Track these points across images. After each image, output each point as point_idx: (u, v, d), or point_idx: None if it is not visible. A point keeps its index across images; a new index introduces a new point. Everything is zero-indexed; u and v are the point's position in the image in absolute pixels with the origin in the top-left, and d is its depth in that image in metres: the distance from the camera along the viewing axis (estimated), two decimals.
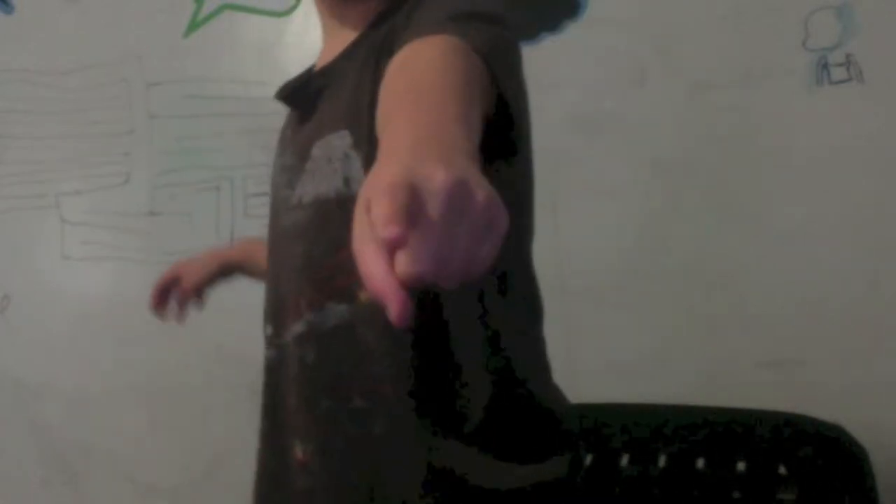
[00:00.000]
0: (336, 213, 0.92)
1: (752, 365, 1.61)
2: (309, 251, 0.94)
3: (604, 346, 1.66)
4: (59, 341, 1.93)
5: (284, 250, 0.98)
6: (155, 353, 1.86)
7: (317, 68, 1.02)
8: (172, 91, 1.89)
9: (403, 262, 0.49)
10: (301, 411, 0.95)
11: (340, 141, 0.93)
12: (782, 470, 1.40)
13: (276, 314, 0.99)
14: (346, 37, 0.98)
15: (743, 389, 1.55)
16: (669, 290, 1.67)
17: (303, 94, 1.00)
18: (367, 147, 0.88)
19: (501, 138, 0.85)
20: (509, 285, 0.94)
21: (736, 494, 1.41)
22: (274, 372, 0.99)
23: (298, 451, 0.95)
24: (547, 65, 1.71)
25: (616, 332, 1.68)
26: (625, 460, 1.49)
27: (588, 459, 1.48)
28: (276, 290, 0.99)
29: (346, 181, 0.91)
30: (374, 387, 0.92)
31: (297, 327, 0.95)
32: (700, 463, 1.45)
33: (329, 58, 0.99)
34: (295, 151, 0.98)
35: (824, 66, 1.61)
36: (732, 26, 1.66)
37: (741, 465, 1.43)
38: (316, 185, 0.94)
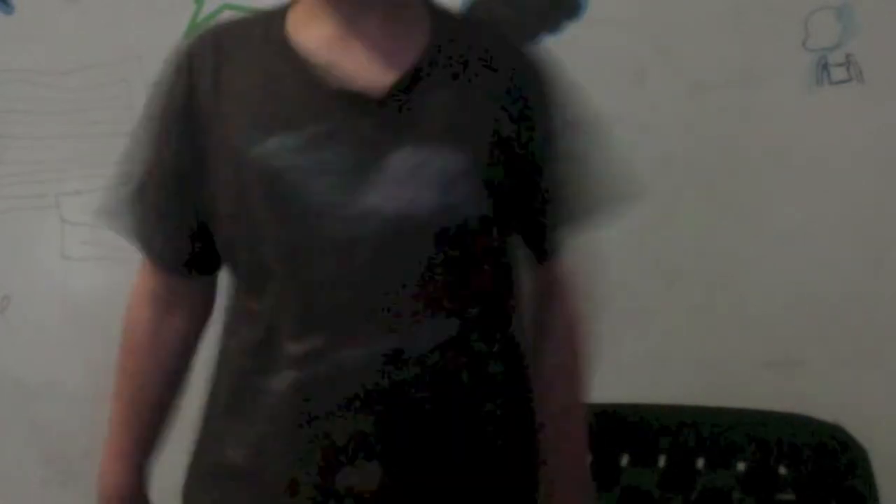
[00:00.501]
0: (431, 233, 0.92)
1: (752, 365, 1.62)
2: (392, 269, 0.91)
3: (604, 347, 1.66)
4: (59, 341, 1.93)
5: (338, 260, 0.91)
6: None
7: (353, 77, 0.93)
8: None
9: None
10: (374, 432, 0.91)
11: (449, 161, 0.91)
12: (782, 470, 1.41)
13: (329, 327, 0.91)
14: (370, 47, 0.93)
15: (743, 389, 1.55)
16: (669, 290, 1.67)
17: (377, 98, 0.93)
18: (488, 174, 0.94)
19: None
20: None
21: (736, 495, 1.41)
22: (321, 386, 0.91)
23: (354, 478, 0.91)
24: None
25: (616, 333, 1.68)
26: (625, 460, 1.49)
27: (588, 460, 1.48)
28: (329, 301, 0.91)
29: (450, 204, 0.92)
30: (460, 409, 0.94)
31: (375, 345, 0.90)
32: (700, 463, 1.45)
33: (368, 51, 0.93)
34: (347, 154, 0.90)
35: (824, 67, 1.61)
36: (732, 26, 1.66)
37: (741, 466, 1.43)
38: (400, 199, 0.90)
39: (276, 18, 0.98)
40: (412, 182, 0.90)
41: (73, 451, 1.93)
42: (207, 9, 1.87)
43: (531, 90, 1.02)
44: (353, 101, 0.91)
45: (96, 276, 1.92)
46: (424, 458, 0.93)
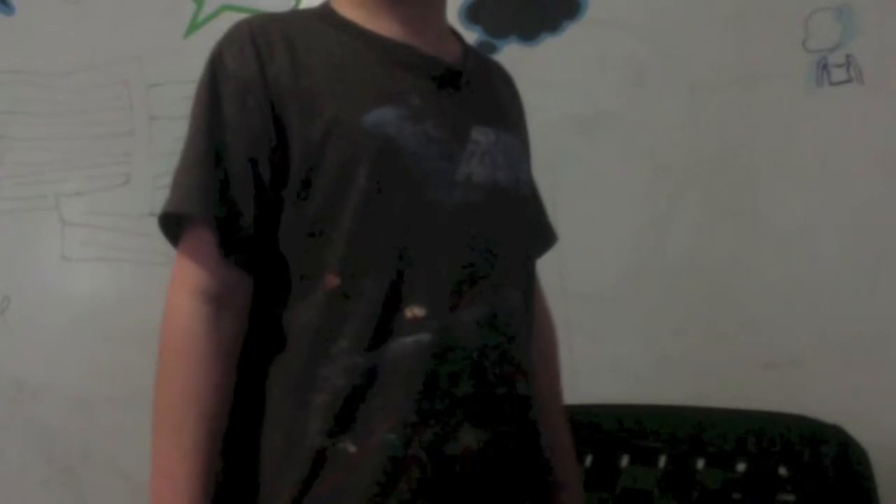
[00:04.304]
0: (514, 205, 1.00)
1: (752, 365, 1.62)
2: (495, 236, 0.96)
3: (604, 347, 1.66)
4: (59, 341, 1.93)
5: (448, 227, 0.93)
6: (154, 354, 1.86)
7: (428, 51, 0.99)
8: (173, 92, 1.89)
9: None
10: (477, 398, 0.92)
11: (512, 141, 1.02)
12: (782, 471, 1.40)
13: (434, 294, 0.91)
14: (429, 28, 1.01)
15: (743, 390, 1.55)
16: (669, 290, 1.67)
17: (456, 76, 1.00)
18: (528, 159, 1.08)
19: None
20: None
21: (736, 496, 1.41)
22: (429, 356, 0.90)
23: (469, 440, 0.91)
24: (547, 65, 1.71)
25: (616, 333, 1.68)
26: (625, 461, 1.49)
27: (588, 460, 1.49)
28: (435, 267, 0.92)
29: (519, 180, 1.01)
30: (531, 374, 0.98)
31: (478, 310, 0.93)
32: (700, 464, 1.45)
33: (430, 44, 1.00)
34: (443, 126, 0.95)
35: (824, 67, 1.61)
36: (732, 26, 1.66)
37: (741, 466, 1.43)
38: (488, 169, 0.96)
39: (323, 12, 1.02)
40: (494, 156, 0.98)
41: (73, 451, 1.93)
42: (207, 9, 1.87)
43: (521, 104, 1.14)
44: (444, 76, 0.98)
45: (96, 276, 1.93)
46: (512, 421, 0.96)
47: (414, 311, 0.90)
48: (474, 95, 1.01)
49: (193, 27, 1.87)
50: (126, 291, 1.87)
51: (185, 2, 1.88)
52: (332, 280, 0.91)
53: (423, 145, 0.93)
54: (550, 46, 1.73)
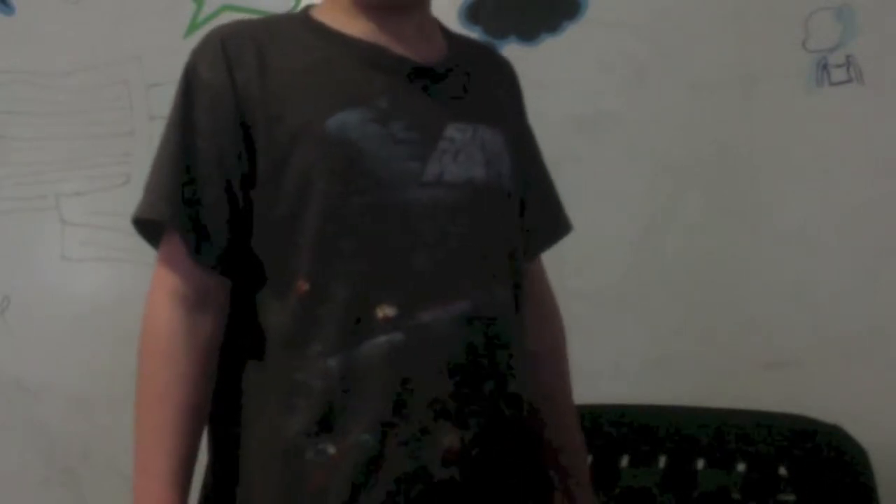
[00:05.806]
0: (494, 201, 0.99)
1: (753, 365, 1.62)
2: (471, 233, 0.96)
3: (604, 347, 1.66)
4: (59, 341, 1.93)
5: (418, 226, 0.93)
6: None
7: (404, 54, 0.99)
8: (173, 92, 1.88)
9: None
10: (461, 397, 0.92)
11: (492, 136, 1.00)
12: (782, 471, 1.41)
13: (405, 294, 0.92)
14: (405, 31, 1.00)
15: (743, 390, 1.55)
16: (669, 290, 1.67)
17: (429, 75, 0.99)
18: (513, 152, 1.03)
19: None
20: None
21: (735, 495, 1.41)
22: (403, 355, 0.91)
23: (451, 440, 0.91)
24: (547, 65, 1.71)
25: (616, 333, 1.68)
26: (625, 461, 1.49)
27: (588, 460, 1.49)
28: (406, 268, 0.92)
29: (500, 175, 1.00)
30: (521, 371, 0.98)
31: (457, 308, 0.93)
32: (700, 463, 1.45)
33: (408, 44, 0.99)
34: (413, 126, 0.95)
35: (824, 67, 1.61)
36: (732, 27, 1.66)
37: (741, 466, 1.43)
38: (463, 167, 0.96)
39: (301, 16, 1.03)
40: (470, 152, 0.97)
41: (73, 451, 1.93)
42: (207, 9, 1.87)
43: (518, 91, 1.14)
44: (413, 74, 0.97)
45: (96, 276, 1.93)
46: (502, 420, 0.96)
47: (385, 311, 0.91)
48: (453, 92, 1.00)
49: (193, 27, 1.87)
50: (126, 291, 1.86)
51: (185, 2, 1.88)
52: (302, 285, 0.92)
53: (388, 147, 0.93)
54: (550, 46, 1.73)
